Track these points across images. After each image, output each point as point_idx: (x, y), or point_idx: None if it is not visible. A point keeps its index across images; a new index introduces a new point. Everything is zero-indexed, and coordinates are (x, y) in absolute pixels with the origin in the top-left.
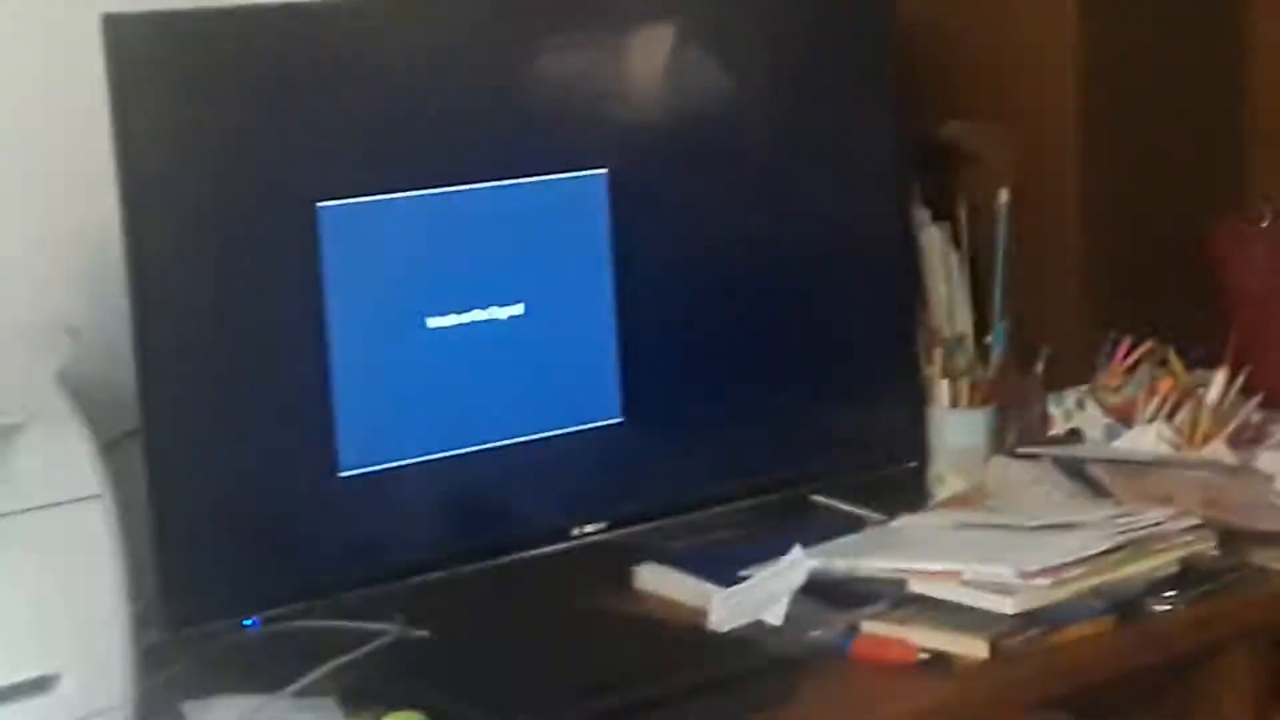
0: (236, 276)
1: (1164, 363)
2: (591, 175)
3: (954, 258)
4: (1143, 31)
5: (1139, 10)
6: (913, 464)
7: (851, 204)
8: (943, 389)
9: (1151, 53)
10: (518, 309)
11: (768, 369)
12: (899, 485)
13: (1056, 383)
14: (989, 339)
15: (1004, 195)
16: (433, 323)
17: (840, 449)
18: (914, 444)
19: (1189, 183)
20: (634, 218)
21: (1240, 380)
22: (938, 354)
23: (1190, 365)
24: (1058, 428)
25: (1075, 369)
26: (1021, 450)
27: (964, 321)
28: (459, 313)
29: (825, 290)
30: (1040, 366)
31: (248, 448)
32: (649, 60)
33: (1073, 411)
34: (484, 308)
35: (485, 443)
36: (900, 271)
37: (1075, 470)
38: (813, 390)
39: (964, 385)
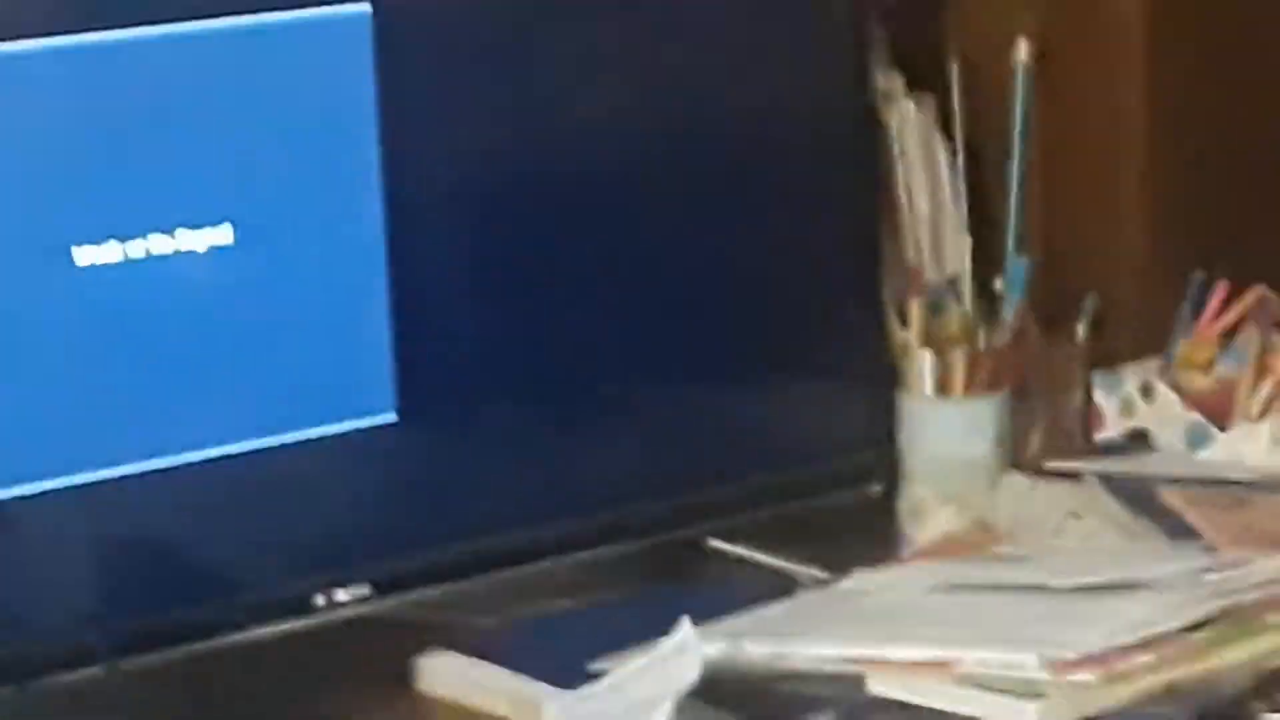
0: None
1: None
2: (347, 13)
3: (942, 151)
4: None
5: None
6: (875, 487)
7: (771, 60)
8: (924, 365)
9: None
10: (223, 234)
11: (634, 332)
12: (853, 522)
13: (1109, 355)
14: (998, 284)
15: (1023, 49)
16: (84, 256)
17: (756, 463)
18: (878, 455)
19: None
20: (414, 77)
21: None
22: (916, 308)
23: None
24: (1110, 428)
25: (1139, 332)
26: (1052, 465)
27: (958, 256)
28: (127, 239)
29: (729, 203)
30: (1082, 328)
31: None
32: None
33: (1135, 401)
34: (168, 232)
35: (175, 454)
36: (853, 173)
37: (1138, 496)
38: (710, 367)
39: (957, 359)
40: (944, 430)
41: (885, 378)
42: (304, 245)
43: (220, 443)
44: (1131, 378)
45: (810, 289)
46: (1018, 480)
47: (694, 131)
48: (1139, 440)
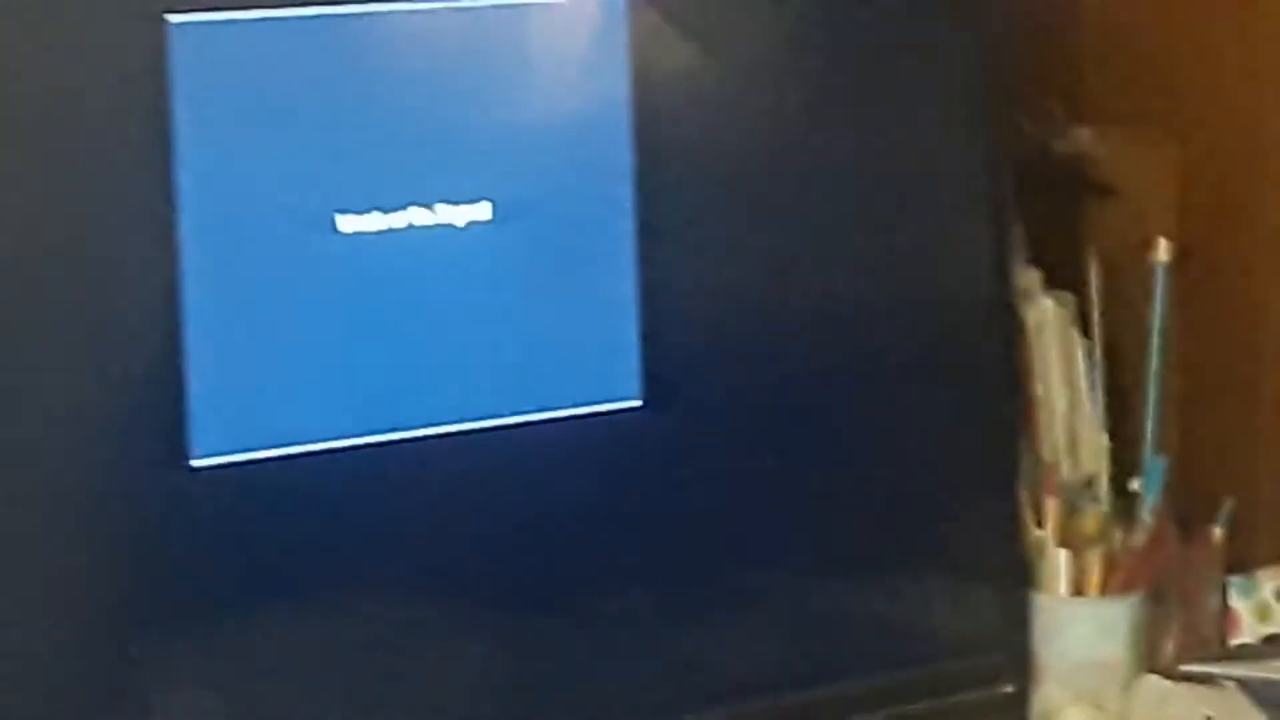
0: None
1: None
2: None
3: (1079, 349)
4: None
5: None
6: (1007, 687)
7: (910, 254)
8: (1059, 564)
9: None
10: (482, 210)
11: (767, 522)
12: None
13: (1247, 557)
14: (1135, 484)
15: (1162, 248)
16: (346, 224)
17: (887, 659)
18: (1010, 654)
19: None
20: (667, 63)
21: None
22: (1052, 506)
23: None
24: (1247, 632)
25: (1276, 535)
26: (1188, 668)
27: (1094, 455)
28: (389, 210)
29: (866, 397)
30: (1219, 530)
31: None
32: None
33: (1271, 606)
34: (428, 205)
35: (418, 426)
36: (991, 369)
37: (1278, 701)
38: (843, 561)
39: (1093, 559)
40: (1078, 631)
41: (1020, 576)
42: (557, 227)
43: (462, 418)
44: (1268, 582)
45: (946, 484)
46: (1153, 683)
47: (833, 325)
48: (1276, 644)
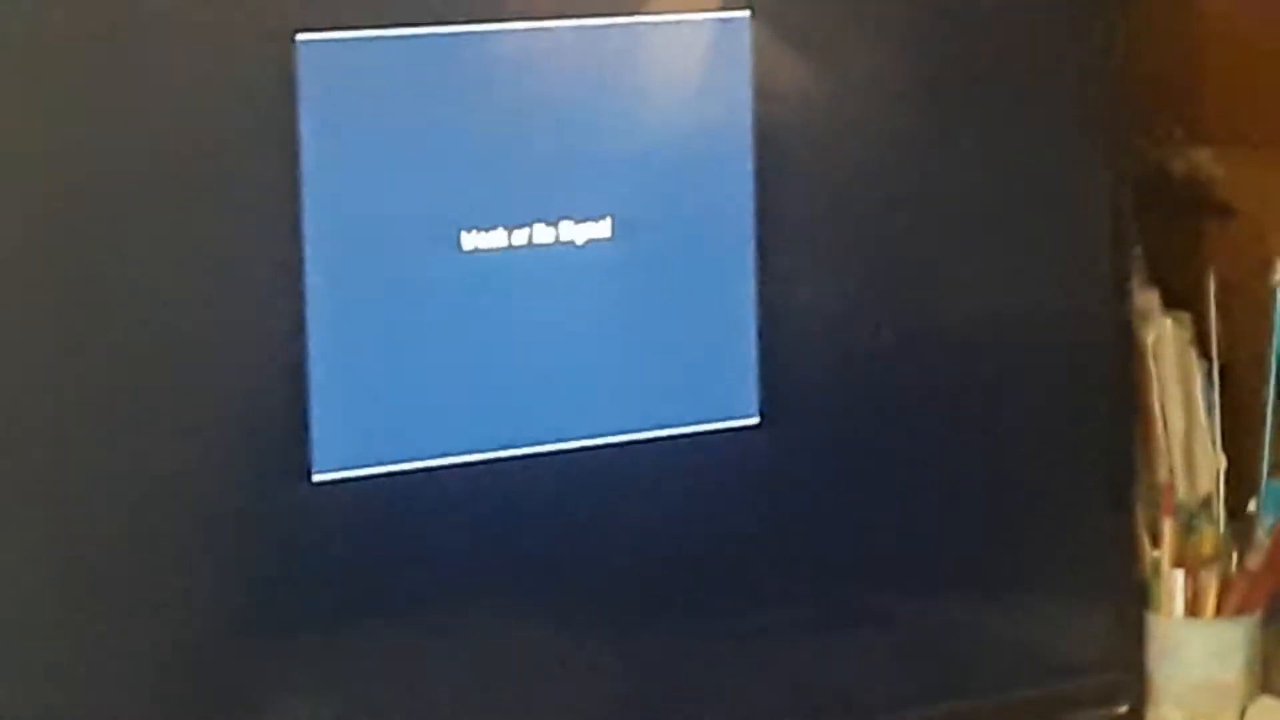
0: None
1: None
2: (729, 17)
3: (1197, 370)
4: None
5: None
6: (1122, 708)
7: (1029, 273)
8: (1175, 586)
9: None
10: (603, 228)
11: (886, 541)
12: None
13: None
14: (1252, 505)
15: None
16: (470, 241)
17: (1003, 679)
18: (1125, 675)
19: None
20: (786, 83)
21: None
22: (1168, 528)
23: None
24: None
25: None
26: None
27: (1211, 475)
28: (512, 228)
29: (985, 415)
30: None
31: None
32: None
33: None
34: (551, 222)
35: (539, 442)
36: (1109, 389)
37: None
38: (959, 580)
39: (1209, 580)
40: (1193, 652)
41: (1135, 597)
42: (677, 244)
43: (580, 435)
44: None
45: (1063, 504)
46: (1269, 705)
47: (952, 345)
48: None
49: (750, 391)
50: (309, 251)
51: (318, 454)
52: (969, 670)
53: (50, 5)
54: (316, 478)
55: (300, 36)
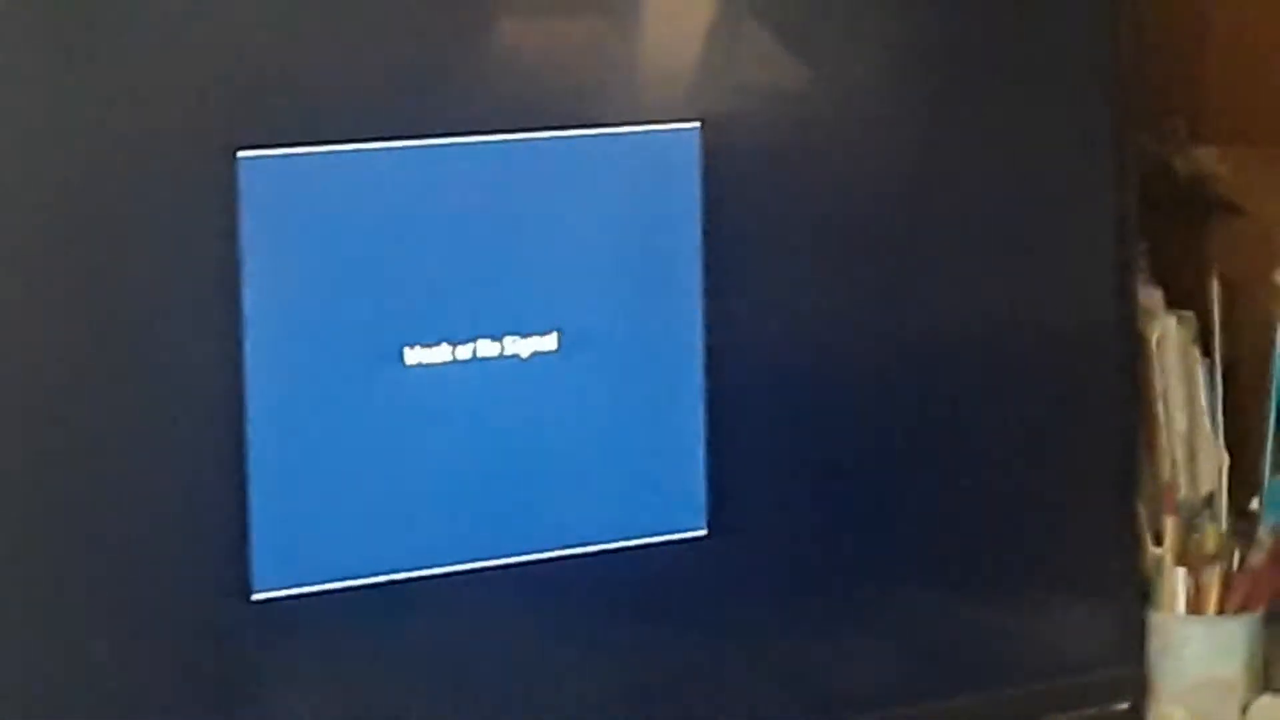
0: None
1: None
2: (678, 129)
3: (1200, 369)
4: None
5: None
6: (1123, 705)
7: (1032, 272)
8: (1176, 583)
9: None
10: (548, 342)
11: (887, 539)
12: None
13: None
14: (1254, 503)
15: None
16: (414, 357)
17: (1004, 676)
18: (1127, 672)
19: None
20: (738, 195)
21: None
22: (1171, 526)
23: None
24: None
25: None
26: None
27: (1213, 474)
28: (456, 343)
29: (988, 413)
30: None
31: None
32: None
33: None
34: (496, 337)
35: (483, 558)
36: (1113, 387)
37: None
38: (961, 577)
39: (1212, 578)
40: (1195, 649)
41: (1137, 594)
42: (623, 357)
43: (529, 549)
44: None
45: (1065, 502)
46: (1269, 703)
47: (954, 342)
48: None
49: (698, 503)
50: (250, 367)
51: (258, 572)
52: (972, 666)
53: None
54: (257, 596)
55: (242, 154)
